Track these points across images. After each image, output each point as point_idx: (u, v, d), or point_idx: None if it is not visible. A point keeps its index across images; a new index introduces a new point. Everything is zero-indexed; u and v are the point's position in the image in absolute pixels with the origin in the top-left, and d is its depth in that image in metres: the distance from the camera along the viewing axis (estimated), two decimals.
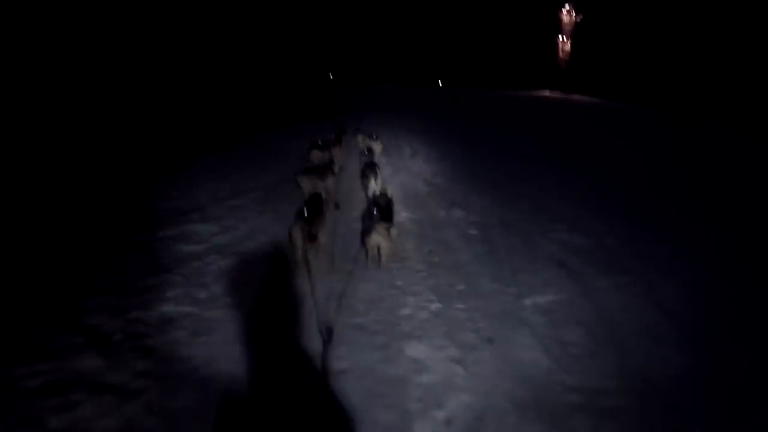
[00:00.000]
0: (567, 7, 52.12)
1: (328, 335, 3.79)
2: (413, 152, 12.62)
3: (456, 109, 23.34)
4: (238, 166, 9.80)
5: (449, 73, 49.53)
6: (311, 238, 4.73)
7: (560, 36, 48.69)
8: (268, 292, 4.55)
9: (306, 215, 4.84)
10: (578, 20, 53.56)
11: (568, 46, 47.88)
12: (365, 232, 4.99)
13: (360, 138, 11.47)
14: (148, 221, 6.23)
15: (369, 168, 7.40)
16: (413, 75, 48.30)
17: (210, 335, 3.86)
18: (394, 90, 35.47)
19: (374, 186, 6.74)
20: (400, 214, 6.75)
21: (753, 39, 37.57)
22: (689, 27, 42.95)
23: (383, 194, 6.06)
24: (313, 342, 3.76)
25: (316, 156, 8.72)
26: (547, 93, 38.82)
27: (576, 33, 52.12)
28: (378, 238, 4.73)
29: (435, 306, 4.43)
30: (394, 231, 4.91)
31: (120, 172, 8.83)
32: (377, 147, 10.76)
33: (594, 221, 7.16)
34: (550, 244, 6.07)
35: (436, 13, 51.57)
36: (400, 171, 10.38)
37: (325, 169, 7.27)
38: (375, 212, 5.12)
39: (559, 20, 52.00)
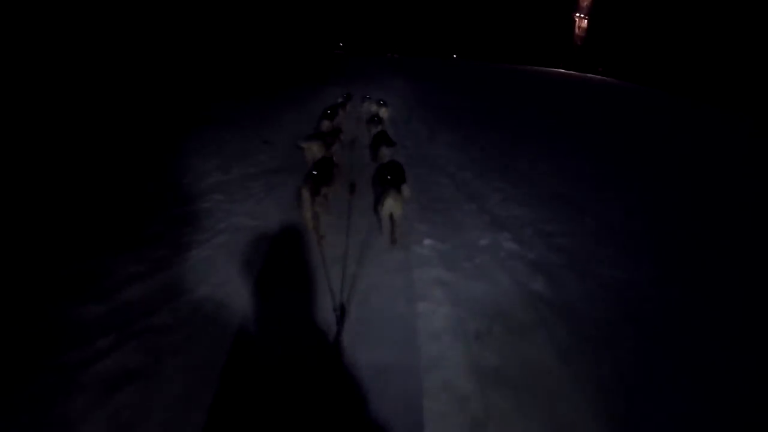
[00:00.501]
0: None
1: (340, 310, 3.79)
2: (431, 134, 11.04)
3: (478, 86, 22.20)
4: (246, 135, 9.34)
5: (463, 46, 48.84)
6: (317, 192, 4.77)
7: (577, 13, 47.77)
8: (280, 258, 4.61)
9: (315, 174, 4.89)
10: None
11: (585, 23, 46.98)
12: (378, 199, 4.93)
13: (367, 104, 11.29)
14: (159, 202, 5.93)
15: (379, 136, 7.31)
16: (428, 46, 47.66)
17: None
18: (408, 60, 35.00)
19: (386, 153, 6.64)
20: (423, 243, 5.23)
21: None
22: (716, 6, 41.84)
23: (392, 160, 5.93)
24: (324, 314, 3.78)
25: (326, 126, 8.58)
26: (561, 70, 38.16)
27: (593, 9, 51.32)
28: (391, 203, 4.70)
29: None
30: (406, 191, 4.82)
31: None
32: (384, 113, 10.53)
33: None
34: None
35: None
36: (416, 161, 8.54)
37: (331, 137, 7.13)
38: (388, 177, 5.07)
39: None
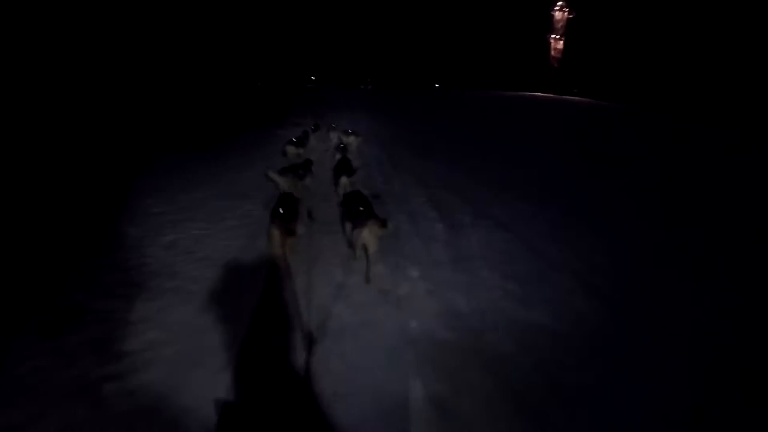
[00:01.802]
0: (559, 4, 52.96)
1: (309, 340, 3.77)
2: (395, 168, 10.13)
3: (455, 117, 21.84)
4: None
5: (442, 74, 49.85)
6: (289, 232, 4.75)
7: (552, 35, 49.21)
8: (251, 294, 4.50)
9: (281, 212, 4.91)
10: (570, 17, 54.28)
11: (560, 45, 48.37)
12: (353, 228, 4.87)
13: (335, 134, 11.36)
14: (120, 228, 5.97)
15: (342, 165, 7.34)
16: (407, 76, 48.52)
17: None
18: (385, 92, 35.45)
19: (346, 183, 6.66)
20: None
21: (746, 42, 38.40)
22: (687, 26, 43.65)
23: (356, 191, 5.93)
24: (296, 344, 3.74)
25: (291, 152, 8.87)
26: (539, 94, 39.03)
27: (569, 31, 52.98)
28: (367, 236, 4.66)
29: None
30: (391, 225, 4.82)
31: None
32: (353, 142, 10.66)
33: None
34: None
35: (429, 14, 51.88)
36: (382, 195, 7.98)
37: (303, 168, 7.28)
38: (360, 209, 5.03)
39: (551, 18, 52.65)
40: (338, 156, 8.48)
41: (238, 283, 4.73)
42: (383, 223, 4.68)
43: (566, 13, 50.24)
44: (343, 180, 6.72)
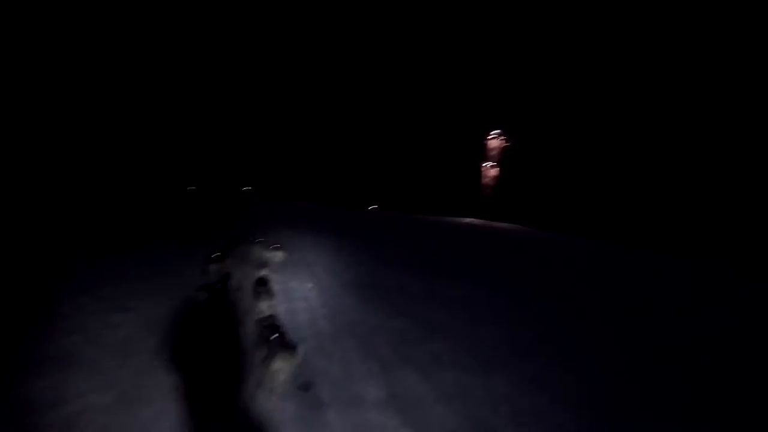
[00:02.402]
0: (495, 132, 56.38)
1: None
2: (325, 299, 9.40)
3: (389, 242, 21.01)
4: None
5: (383, 196, 50.57)
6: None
7: (486, 162, 51.62)
8: None
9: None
10: (506, 146, 57.73)
11: (494, 172, 50.59)
12: (265, 357, 4.84)
13: (258, 249, 11.07)
14: None
15: (260, 285, 7.16)
16: (344, 195, 48.81)
17: None
18: (319, 210, 34.90)
19: (264, 307, 6.52)
20: None
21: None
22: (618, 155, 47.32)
23: (271, 317, 5.89)
24: None
25: (213, 270, 8.52)
26: (469, 220, 39.60)
27: (504, 159, 56.00)
28: (280, 365, 4.64)
29: None
30: (301, 349, 4.84)
31: None
32: (278, 257, 10.62)
33: None
34: None
35: (363, 136, 53.83)
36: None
37: (219, 285, 7.32)
38: (269, 337, 5.01)
39: (486, 146, 55.71)
40: (259, 274, 8.28)
41: None
42: (290, 352, 4.70)
43: (501, 142, 53.32)
44: (261, 304, 6.58)
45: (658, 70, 56.93)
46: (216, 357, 5.57)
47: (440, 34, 66.74)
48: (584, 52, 63.30)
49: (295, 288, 9.81)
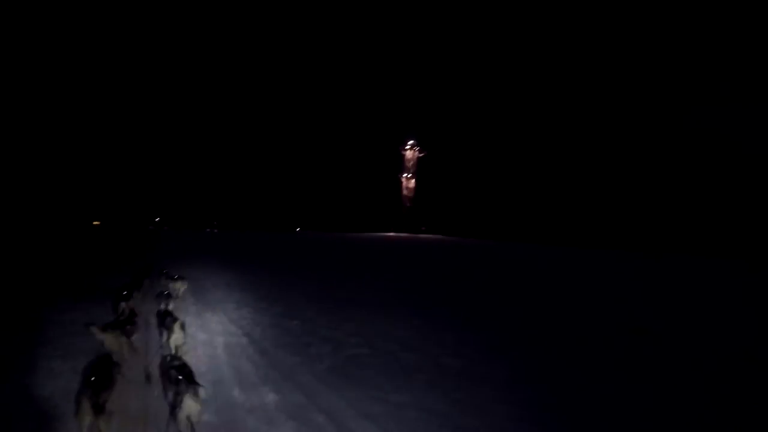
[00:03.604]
0: (410, 143, 57.27)
1: None
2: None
3: (313, 264, 19.92)
4: None
5: (304, 218, 50.11)
6: (99, 409, 4.22)
7: (404, 173, 52.44)
8: None
9: (93, 381, 4.49)
10: (421, 156, 58.80)
11: (412, 183, 51.48)
12: (174, 399, 4.60)
13: (164, 281, 10.73)
14: None
15: (163, 318, 6.81)
16: (262, 219, 47.87)
17: None
18: (233, 236, 33.71)
19: (170, 341, 6.20)
20: None
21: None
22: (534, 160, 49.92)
23: (176, 356, 5.51)
24: None
25: (123, 308, 7.90)
26: (392, 234, 40.02)
27: (420, 169, 57.03)
28: (191, 405, 4.39)
29: None
30: (202, 392, 4.52)
31: None
32: (180, 288, 10.23)
33: None
34: None
35: (278, 156, 53.23)
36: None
37: (128, 323, 6.69)
38: (178, 377, 4.70)
39: (402, 157, 56.57)
40: (163, 306, 7.86)
41: None
42: (195, 391, 4.44)
43: (417, 152, 54.39)
44: (165, 339, 6.28)
45: (574, 74, 60.92)
46: (126, 400, 5.29)
47: (347, 49, 67.57)
48: (498, 60, 66.47)
49: (199, 323, 9.24)
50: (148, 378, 5.73)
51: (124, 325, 6.48)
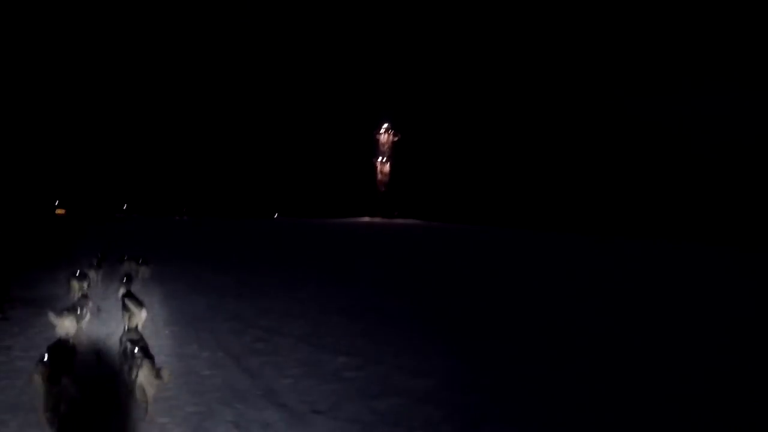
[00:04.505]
0: (384, 126, 56.83)
1: None
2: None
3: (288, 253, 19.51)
4: None
5: (282, 203, 49.63)
6: (53, 380, 4.20)
7: (378, 157, 52.09)
8: None
9: (47, 359, 4.42)
10: (396, 140, 58.33)
11: (387, 168, 51.20)
12: (129, 372, 4.67)
13: (126, 265, 10.87)
14: None
15: (126, 299, 6.90)
16: (238, 205, 47.32)
17: None
18: (207, 223, 33.04)
19: (131, 321, 6.28)
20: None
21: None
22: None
23: (133, 330, 5.66)
24: None
25: (76, 287, 8.25)
26: (366, 219, 39.90)
27: (395, 153, 56.65)
28: (144, 377, 4.44)
29: None
30: (165, 373, 4.53)
31: None
32: (145, 273, 10.63)
33: None
34: None
35: (250, 140, 52.52)
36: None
37: (81, 306, 6.65)
38: (134, 351, 4.78)
39: (376, 141, 56.08)
40: (122, 289, 8.03)
41: None
42: (158, 373, 4.47)
43: (391, 136, 54.05)
44: (126, 318, 6.45)
45: (548, 59, 61.31)
46: (84, 376, 5.23)
47: (320, 34, 66.80)
48: (471, 42, 66.37)
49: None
50: (98, 360, 5.86)
51: (76, 308, 6.47)
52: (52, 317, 6.12)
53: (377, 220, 38.79)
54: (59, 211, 40.54)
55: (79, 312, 6.42)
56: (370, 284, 12.88)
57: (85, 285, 8.62)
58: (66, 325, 6.03)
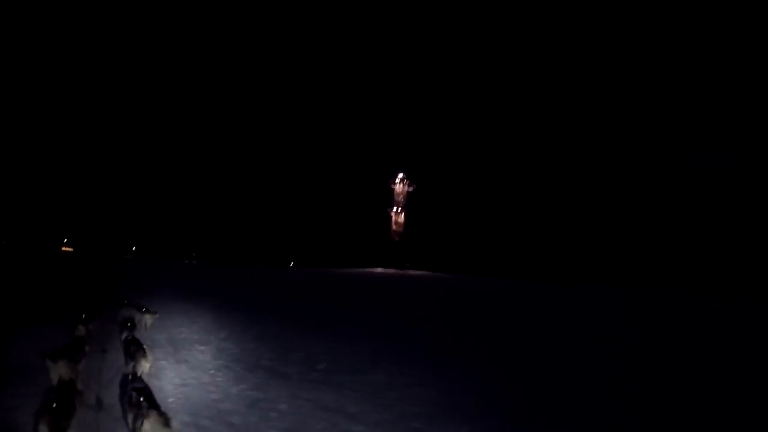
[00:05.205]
0: (399, 176, 56.24)
1: None
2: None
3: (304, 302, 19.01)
4: None
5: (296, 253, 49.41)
6: (57, 428, 4.28)
7: (393, 208, 51.45)
8: None
9: (54, 406, 4.51)
10: (411, 190, 57.76)
11: (401, 218, 50.56)
12: (134, 422, 4.63)
13: (126, 311, 10.71)
14: None
15: (130, 346, 7.05)
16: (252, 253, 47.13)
17: None
18: (215, 270, 32.59)
19: (138, 368, 6.39)
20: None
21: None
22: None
23: (138, 378, 5.77)
24: None
25: (81, 332, 8.25)
26: (380, 270, 39.01)
27: (410, 204, 55.99)
28: (151, 429, 4.41)
29: None
30: (175, 424, 4.60)
31: None
32: (148, 320, 10.51)
33: None
34: None
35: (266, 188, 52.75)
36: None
37: (77, 350, 6.83)
38: (139, 399, 4.81)
39: (391, 191, 55.44)
40: (125, 335, 8.13)
41: None
42: (167, 421, 4.48)
43: (406, 186, 53.50)
44: (131, 366, 6.48)
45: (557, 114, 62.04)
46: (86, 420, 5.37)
47: (338, 83, 68.01)
48: (487, 97, 67.33)
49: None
50: (99, 404, 5.97)
51: (73, 352, 6.53)
52: (47, 361, 6.08)
53: (391, 270, 37.85)
54: (66, 249, 40.38)
55: (72, 356, 6.38)
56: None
57: (82, 329, 8.55)
58: (60, 369, 5.92)
